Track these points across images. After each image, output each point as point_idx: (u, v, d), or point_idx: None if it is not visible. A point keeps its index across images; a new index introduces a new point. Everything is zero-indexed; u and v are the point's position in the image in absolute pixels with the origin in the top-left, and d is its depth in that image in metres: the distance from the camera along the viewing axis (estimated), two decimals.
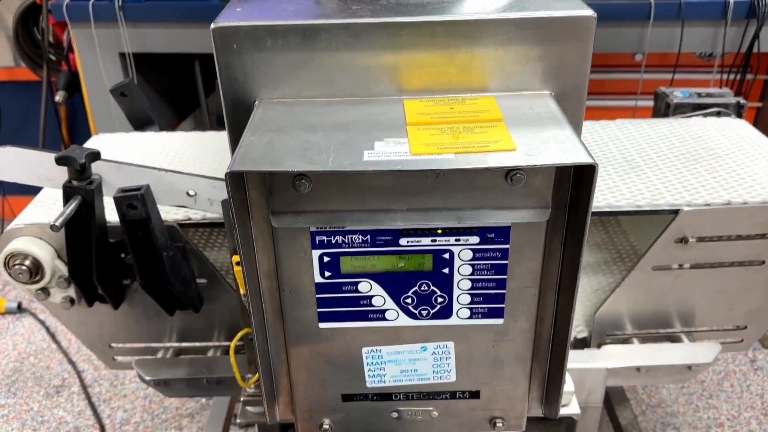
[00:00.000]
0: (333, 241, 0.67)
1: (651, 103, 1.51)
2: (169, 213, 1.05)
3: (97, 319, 1.12)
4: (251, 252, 0.68)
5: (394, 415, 0.78)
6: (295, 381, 0.78)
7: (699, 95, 1.42)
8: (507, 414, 0.79)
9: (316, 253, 0.68)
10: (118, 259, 1.03)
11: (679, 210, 1.02)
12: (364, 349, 0.74)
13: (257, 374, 0.99)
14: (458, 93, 0.73)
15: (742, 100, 1.39)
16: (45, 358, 2.07)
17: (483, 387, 0.77)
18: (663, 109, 1.44)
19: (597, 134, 1.29)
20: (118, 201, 0.92)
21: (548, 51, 0.71)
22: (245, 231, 0.66)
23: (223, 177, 1.00)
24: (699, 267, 1.07)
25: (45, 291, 1.06)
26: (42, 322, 2.20)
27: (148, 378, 1.08)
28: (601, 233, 1.36)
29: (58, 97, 2.21)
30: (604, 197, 1.06)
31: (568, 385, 0.94)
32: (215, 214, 1.04)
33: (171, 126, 2.16)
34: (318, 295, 0.70)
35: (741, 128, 1.27)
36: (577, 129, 0.76)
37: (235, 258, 0.78)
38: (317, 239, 0.67)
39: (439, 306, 0.71)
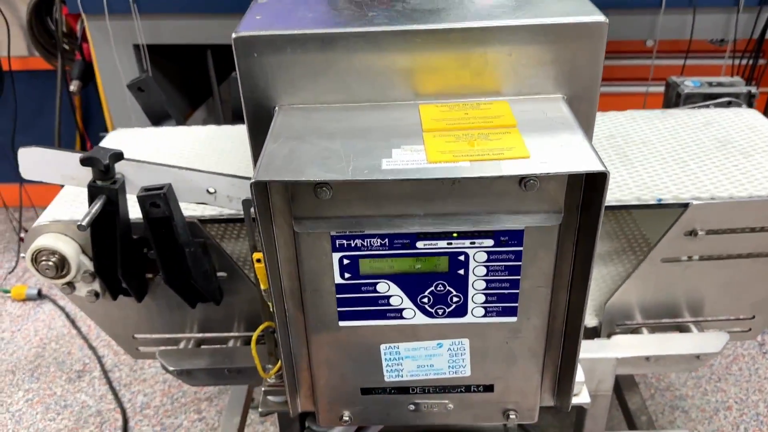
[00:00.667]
0: (352, 245, 0.69)
1: (662, 89, 1.52)
2: (187, 209, 1.08)
3: (121, 311, 1.16)
4: (274, 255, 0.71)
5: (411, 407, 0.82)
6: (316, 375, 0.81)
7: (710, 84, 1.43)
8: (520, 406, 0.82)
9: (336, 256, 0.70)
10: (141, 255, 1.06)
11: (688, 203, 1.04)
12: (383, 346, 0.77)
13: (277, 365, 1.03)
14: (473, 96, 0.76)
15: (753, 89, 1.40)
16: (66, 343, 2.12)
17: (497, 381, 0.80)
18: (674, 98, 1.45)
19: (606, 127, 1.30)
20: (142, 200, 0.95)
21: (561, 56, 0.73)
22: (268, 235, 0.68)
23: (241, 175, 1.03)
24: (708, 259, 1.09)
25: (71, 285, 1.09)
26: (62, 309, 2.25)
27: (171, 368, 1.11)
28: (612, 223, 1.38)
29: (73, 86, 2.24)
30: (611, 193, 1.07)
31: (579, 375, 0.96)
32: (234, 210, 1.06)
33: (185, 115, 2.19)
34: (338, 295, 0.73)
35: (752, 119, 1.28)
36: (589, 131, 0.78)
37: (256, 255, 0.81)
38: (337, 243, 0.69)
39: (454, 305, 0.73)
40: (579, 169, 0.62)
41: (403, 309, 0.74)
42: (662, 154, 1.18)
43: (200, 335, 1.20)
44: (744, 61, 1.92)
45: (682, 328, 1.18)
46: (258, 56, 0.72)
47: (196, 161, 1.22)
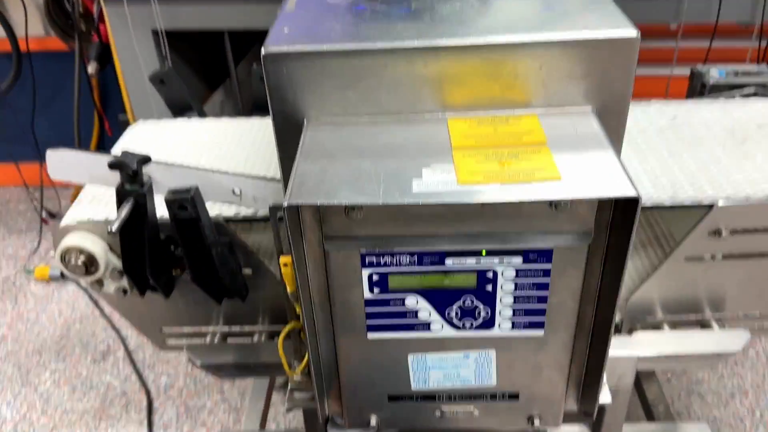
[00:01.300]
0: (382, 261, 0.70)
1: (685, 72, 1.50)
2: (213, 208, 1.09)
3: (148, 305, 1.18)
4: (304, 270, 0.72)
5: (438, 414, 0.83)
6: (344, 381, 0.83)
7: (735, 74, 1.40)
8: (544, 412, 0.84)
9: (365, 272, 0.71)
10: (168, 253, 1.08)
11: (713, 204, 1.04)
12: (410, 356, 0.78)
13: (303, 363, 1.05)
14: (501, 109, 0.75)
15: None
16: (90, 324, 2.16)
17: (522, 389, 0.81)
18: (699, 88, 1.43)
19: (631, 119, 1.28)
20: (169, 203, 0.96)
21: (592, 69, 0.72)
22: (299, 253, 0.69)
23: (266, 176, 1.04)
24: (731, 257, 1.09)
25: (99, 282, 1.11)
26: (85, 290, 2.29)
27: (199, 363, 1.14)
28: None
29: (90, 69, 2.24)
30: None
31: None
32: (259, 209, 1.07)
33: (202, 97, 2.19)
34: (367, 309, 0.74)
35: None
36: (618, 143, 0.78)
37: (283, 259, 0.82)
38: (367, 259, 0.70)
39: (482, 319, 0.74)
40: (611, 194, 0.62)
41: (431, 322, 0.75)
42: (680, 153, 1.16)
43: (227, 328, 1.22)
44: None
45: (704, 324, 1.18)
46: (287, 71, 0.72)
47: (221, 157, 1.23)
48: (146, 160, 0.96)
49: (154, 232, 1.01)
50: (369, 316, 0.75)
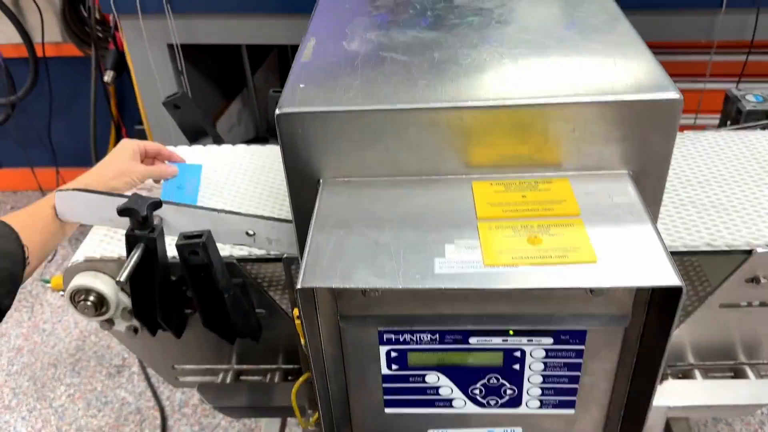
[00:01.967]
0: (401, 339, 0.66)
1: (719, 86, 1.43)
2: (224, 249, 1.05)
3: (160, 344, 1.15)
4: (318, 344, 0.67)
5: None
6: None
7: None
8: None
9: (383, 349, 0.67)
10: (179, 293, 1.04)
11: (751, 250, 0.98)
12: (431, 431, 0.74)
13: (316, 415, 1.01)
14: (530, 171, 0.70)
15: None
16: (105, 336, 2.15)
17: None
18: (733, 113, 1.36)
19: None
20: (180, 248, 0.92)
21: (629, 133, 0.67)
22: (313, 331, 0.65)
23: (280, 218, 0.99)
24: None
25: (110, 322, 1.08)
26: None
27: (210, 405, 1.11)
28: None
29: (107, 77, 2.22)
30: (669, 236, 1.01)
31: None
32: (275, 251, 1.03)
33: (220, 109, 2.15)
34: (384, 385, 0.70)
35: None
36: (656, 207, 0.72)
37: (296, 312, 0.78)
38: (385, 337, 0.66)
39: (507, 397, 0.70)
40: (653, 282, 0.56)
41: (453, 399, 0.70)
42: (719, 195, 1.09)
43: (239, 366, 1.19)
44: None
45: (736, 370, 1.13)
46: (303, 131, 0.68)
47: (239, 194, 1.17)
48: (156, 204, 0.92)
49: (164, 276, 0.98)
50: (387, 391, 0.70)
